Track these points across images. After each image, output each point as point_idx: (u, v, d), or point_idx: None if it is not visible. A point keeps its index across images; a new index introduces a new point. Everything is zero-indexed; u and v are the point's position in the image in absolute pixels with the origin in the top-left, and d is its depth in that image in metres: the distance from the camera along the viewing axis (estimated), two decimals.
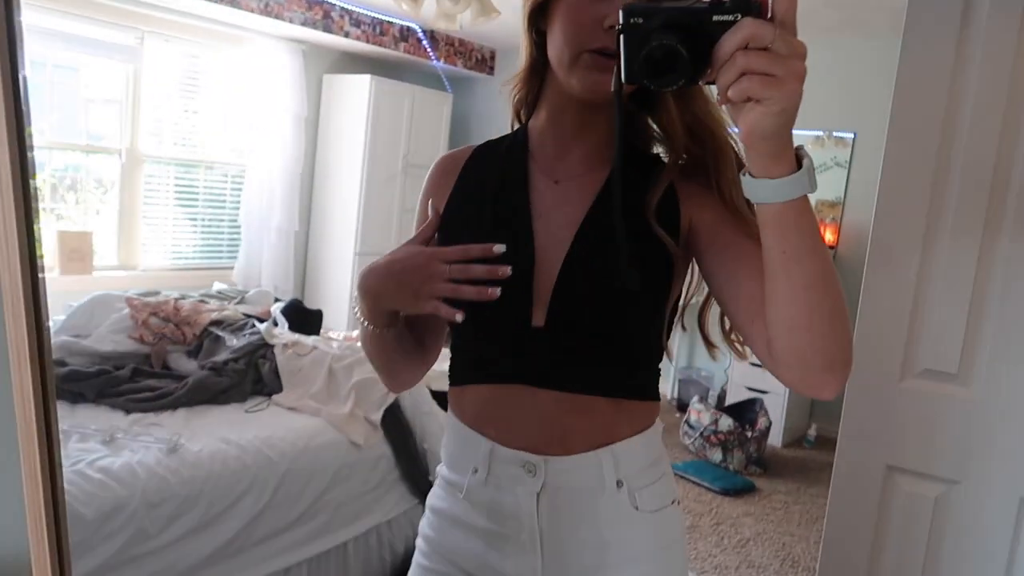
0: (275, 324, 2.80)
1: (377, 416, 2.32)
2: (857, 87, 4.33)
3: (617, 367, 0.89)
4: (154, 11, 4.21)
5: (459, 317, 0.82)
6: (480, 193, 0.94)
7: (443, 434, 2.35)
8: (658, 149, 0.96)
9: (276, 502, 2.04)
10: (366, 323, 0.91)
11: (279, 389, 2.41)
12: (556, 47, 0.85)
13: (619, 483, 0.88)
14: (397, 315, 0.92)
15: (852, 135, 4.51)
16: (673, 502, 0.94)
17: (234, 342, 2.53)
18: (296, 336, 2.67)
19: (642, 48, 0.63)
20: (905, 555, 1.63)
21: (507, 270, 0.83)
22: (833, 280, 0.71)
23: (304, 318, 2.96)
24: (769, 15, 0.60)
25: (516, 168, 0.94)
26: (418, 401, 2.40)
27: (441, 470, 0.98)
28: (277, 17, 4.39)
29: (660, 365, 0.95)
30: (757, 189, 0.66)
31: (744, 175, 0.67)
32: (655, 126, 0.93)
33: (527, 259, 0.87)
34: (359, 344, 2.76)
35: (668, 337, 0.96)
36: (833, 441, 1.75)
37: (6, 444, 0.84)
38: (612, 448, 0.88)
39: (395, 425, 2.35)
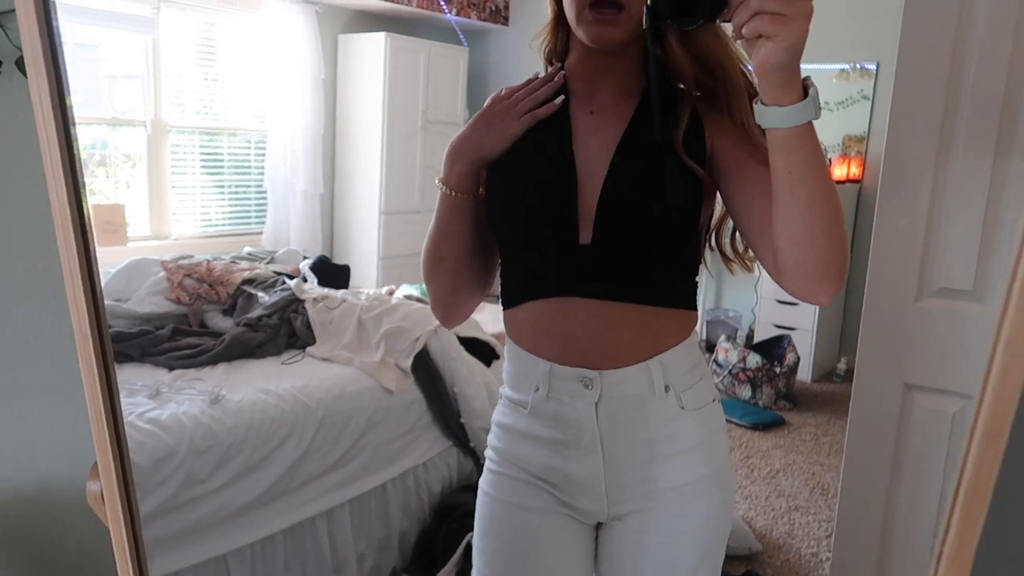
0: (304, 280, 2.88)
1: (407, 363, 2.39)
2: (878, 14, 4.24)
3: (659, 277, 0.97)
4: None
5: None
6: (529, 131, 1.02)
7: (471, 378, 2.41)
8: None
9: (315, 447, 2.14)
10: (450, 191, 1.01)
11: (312, 341, 2.49)
12: (565, 3, 0.94)
13: (667, 388, 0.97)
14: (478, 183, 1.01)
15: (875, 66, 4.42)
16: (713, 400, 1.04)
17: (266, 299, 2.61)
18: (326, 290, 2.75)
19: None
20: (925, 470, 1.67)
21: (560, 78, 1.01)
22: (833, 198, 0.80)
23: (332, 273, 3.04)
24: None
25: (559, 113, 1.02)
26: (446, 347, 2.47)
27: (504, 391, 1.08)
28: None
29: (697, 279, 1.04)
30: (768, 116, 0.76)
31: (756, 103, 0.76)
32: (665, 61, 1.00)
33: (570, 182, 0.96)
34: (385, 294, 2.84)
35: (703, 251, 1.05)
36: None
37: (75, 398, 0.92)
38: (659, 358, 0.97)
39: (425, 371, 2.43)
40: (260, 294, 2.67)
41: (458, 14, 5.38)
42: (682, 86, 1.00)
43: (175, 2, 4.36)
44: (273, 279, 2.82)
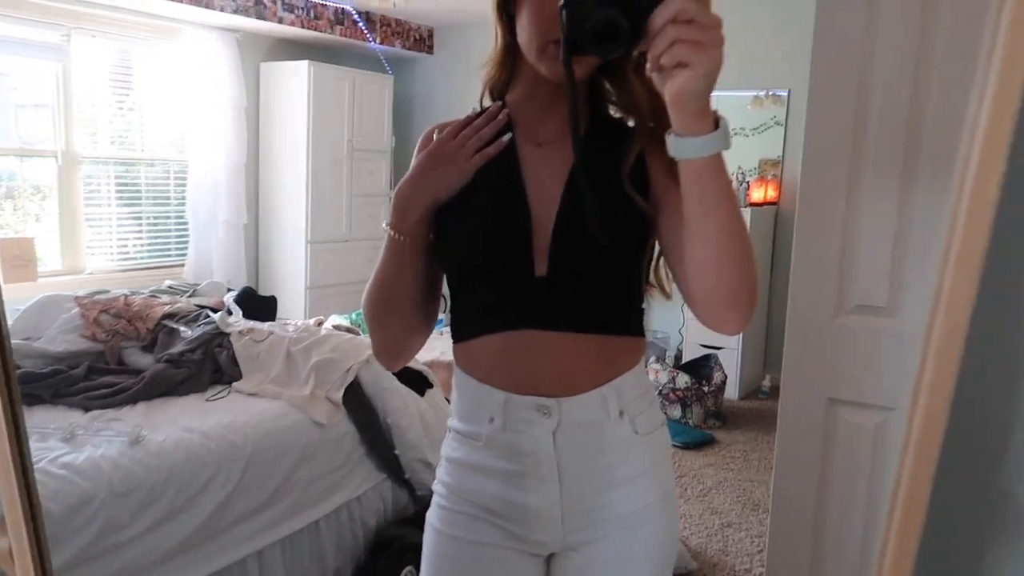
0: (229, 313, 2.80)
1: (338, 395, 2.35)
2: (789, 45, 4.44)
3: (612, 307, 0.99)
4: (79, 6, 4.10)
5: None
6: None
7: (405, 408, 2.37)
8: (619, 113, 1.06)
9: (244, 485, 2.06)
10: (398, 235, 0.99)
11: (238, 376, 2.41)
12: (525, 36, 0.94)
13: (621, 412, 0.99)
14: (426, 228, 1.00)
15: (787, 93, 4.62)
16: (662, 424, 1.06)
17: (189, 333, 2.53)
18: (251, 323, 2.67)
19: (586, 20, 0.73)
20: (851, 482, 1.73)
21: (504, 115, 1.00)
22: (741, 229, 0.83)
23: (258, 305, 2.96)
24: None
25: (507, 146, 1.02)
26: (379, 378, 2.43)
27: (453, 424, 1.06)
28: (207, 6, 4.32)
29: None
30: (683, 146, 0.77)
31: (669, 135, 0.77)
32: (618, 95, 1.03)
33: (523, 215, 0.96)
34: (313, 325, 2.78)
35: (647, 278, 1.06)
36: None
37: None
38: (614, 383, 0.98)
39: (357, 403, 2.38)
40: (182, 329, 2.58)
41: (382, 42, 5.38)
42: (631, 121, 1.02)
43: (87, 29, 4.22)
44: (196, 313, 2.73)
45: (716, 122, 0.76)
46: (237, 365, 2.44)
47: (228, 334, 2.53)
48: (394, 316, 1.03)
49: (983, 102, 0.43)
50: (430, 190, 0.98)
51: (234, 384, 2.39)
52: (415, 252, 1.00)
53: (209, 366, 2.44)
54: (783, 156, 4.69)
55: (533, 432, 0.97)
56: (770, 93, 4.66)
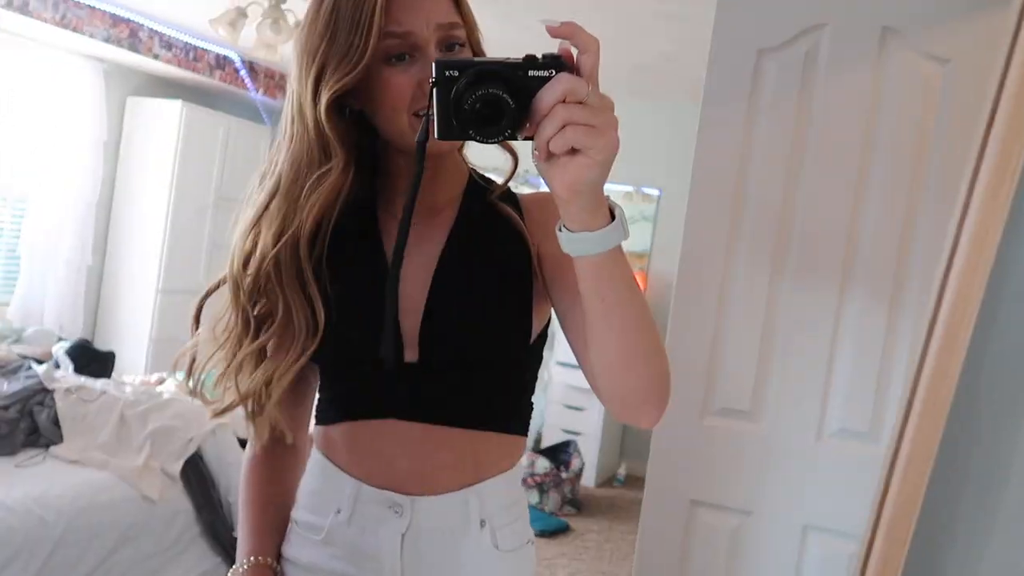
0: (57, 366, 2.50)
1: (176, 467, 2.13)
2: (664, 147, 4.69)
3: (486, 399, 0.91)
4: None
5: None
6: (335, 243, 0.91)
7: None
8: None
9: (49, 569, 1.80)
10: None
11: (58, 440, 2.14)
12: (384, 120, 0.85)
13: (482, 522, 0.90)
14: None
15: (658, 192, 4.86)
16: (528, 541, 0.96)
17: (4, 387, 2.23)
18: (82, 380, 2.40)
19: (463, 100, 0.63)
20: None
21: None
22: (648, 321, 0.75)
23: (92, 360, 2.68)
24: (576, 72, 0.63)
25: (365, 218, 0.93)
26: (224, 451, 2.23)
27: (297, 514, 0.96)
28: (75, 30, 4.03)
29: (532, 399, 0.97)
30: (578, 243, 0.68)
31: (561, 231, 0.68)
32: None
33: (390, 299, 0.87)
34: (157, 388, 2.54)
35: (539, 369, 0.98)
36: (642, 479, 1.83)
37: None
38: (477, 488, 0.90)
39: (196, 477, 2.17)
40: None
41: (264, 93, 5.23)
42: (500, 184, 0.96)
43: None
44: (17, 363, 2.43)
45: (611, 212, 0.68)
46: (58, 427, 2.17)
47: (52, 391, 2.25)
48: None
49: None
50: None
51: (52, 448, 2.12)
52: None
53: (25, 426, 2.15)
54: (650, 251, 4.89)
55: (379, 531, 0.88)
56: (639, 190, 4.88)
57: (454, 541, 0.89)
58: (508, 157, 0.96)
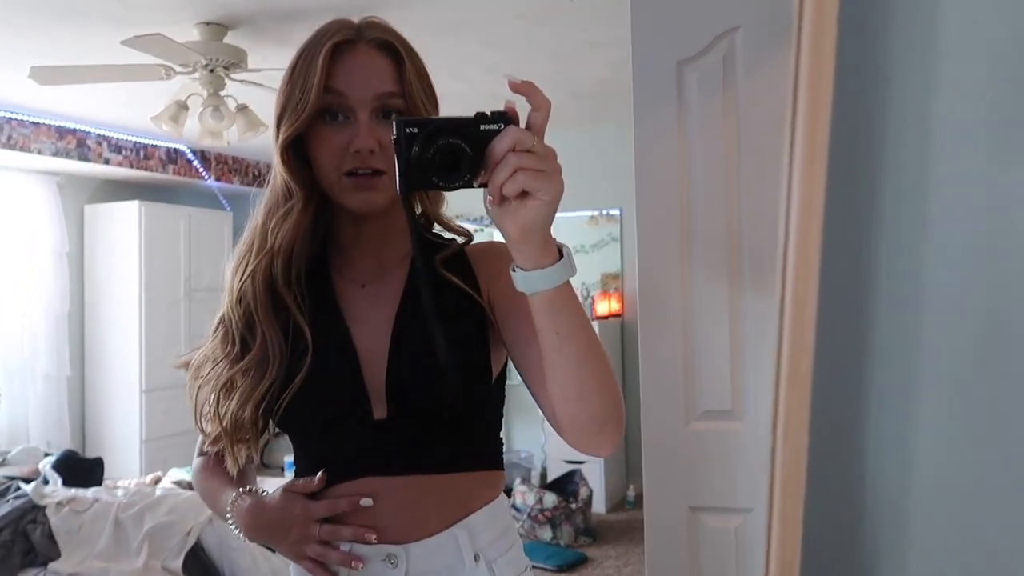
0: (45, 482, 2.48)
1: (177, 563, 2.10)
2: (616, 167, 4.77)
3: (461, 443, 0.95)
4: None
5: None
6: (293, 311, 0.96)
7: (256, 568, 2.17)
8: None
9: None
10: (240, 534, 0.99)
11: (56, 555, 2.12)
12: (321, 175, 0.93)
13: (476, 556, 0.93)
14: None
15: (619, 211, 4.94)
16: (526, 568, 0.99)
17: None
18: (72, 491, 2.38)
19: (424, 152, 0.70)
20: None
21: (372, 536, 0.90)
22: (600, 352, 0.81)
23: (80, 469, 2.65)
24: (523, 125, 0.70)
25: (321, 283, 0.98)
26: (224, 537, 2.21)
27: None
28: (23, 149, 4.07)
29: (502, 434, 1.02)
30: (532, 280, 0.74)
31: (515, 271, 0.75)
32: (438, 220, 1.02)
33: (353, 362, 0.93)
34: (156, 489, 2.51)
35: (503, 404, 1.03)
36: None
37: None
38: (464, 522, 0.93)
39: (199, 569, 2.14)
40: None
41: (218, 179, 5.28)
42: (452, 237, 1.01)
43: None
44: (5, 486, 2.40)
45: (559, 250, 0.75)
46: (54, 542, 2.14)
47: (44, 507, 2.23)
48: None
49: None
50: (269, 542, 0.98)
51: (51, 565, 2.09)
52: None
53: (20, 547, 2.12)
54: (622, 269, 4.94)
55: None
56: (603, 212, 4.95)
57: None
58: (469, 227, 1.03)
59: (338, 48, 0.90)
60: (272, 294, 0.94)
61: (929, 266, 0.97)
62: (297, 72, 0.90)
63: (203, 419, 0.96)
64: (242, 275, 0.95)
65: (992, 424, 0.93)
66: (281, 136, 0.91)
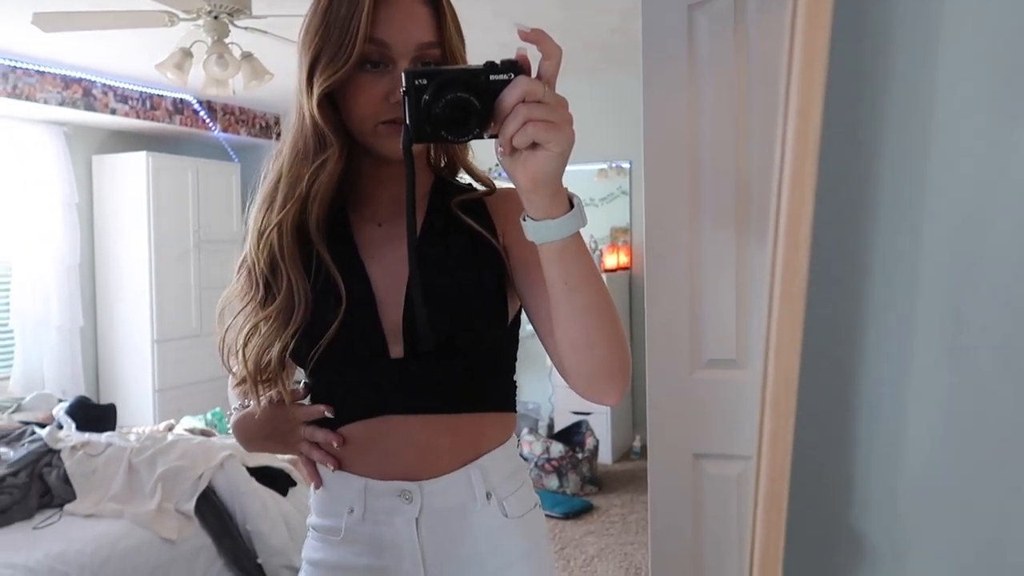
0: (60, 427, 2.53)
1: (190, 505, 2.15)
2: (627, 119, 4.72)
3: (475, 385, 0.96)
4: None
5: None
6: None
7: (266, 512, 2.22)
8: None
9: None
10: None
11: (71, 497, 2.17)
12: (355, 122, 0.92)
13: (488, 495, 0.95)
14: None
15: (629, 164, 4.89)
16: (535, 505, 1.02)
17: (10, 455, 2.25)
18: (86, 436, 2.43)
19: (433, 105, 0.70)
20: (722, 533, 1.75)
21: (331, 464, 0.95)
22: (608, 302, 0.82)
23: (94, 415, 2.70)
24: (534, 75, 0.69)
25: (338, 223, 0.98)
26: (234, 481, 2.26)
27: (312, 520, 1.00)
28: (28, 98, 4.06)
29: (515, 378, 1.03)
30: (542, 230, 0.75)
31: (526, 220, 0.75)
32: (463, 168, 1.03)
33: (368, 300, 0.93)
34: (163, 430, 2.56)
35: (517, 348, 1.04)
36: None
37: None
38: (478, 463, 0.94)
39: (212, 512, 2.19)
40: (3, 449, 2.30)
41: (226, 130, 5.25)
42: (473, 184, 1.01)
43: None
44: (20, 431, 2.45)
45: (570, 201, 0.75)
46: (70, 484, 2.19)
47: (59, 451, 2.28)
48: None
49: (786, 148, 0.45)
50: (263, 446, 1.05)
51: (66, 506, 2.14)
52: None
53: (36, 489, 2.18)
54: (631, 223, 4.91)
55: (394, 521, 0.93)
56: (613, 165, 4.91)
57: (465, 516, 0.94)
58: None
59: None
60: (298, 241, 0.94)
61: (928, 222, 0.96)
62: (333, 18, 0.87)
63: (230, 359, 0.97)
64: (270, 222, 0.94)
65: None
66: (318, 86, 0.88)
